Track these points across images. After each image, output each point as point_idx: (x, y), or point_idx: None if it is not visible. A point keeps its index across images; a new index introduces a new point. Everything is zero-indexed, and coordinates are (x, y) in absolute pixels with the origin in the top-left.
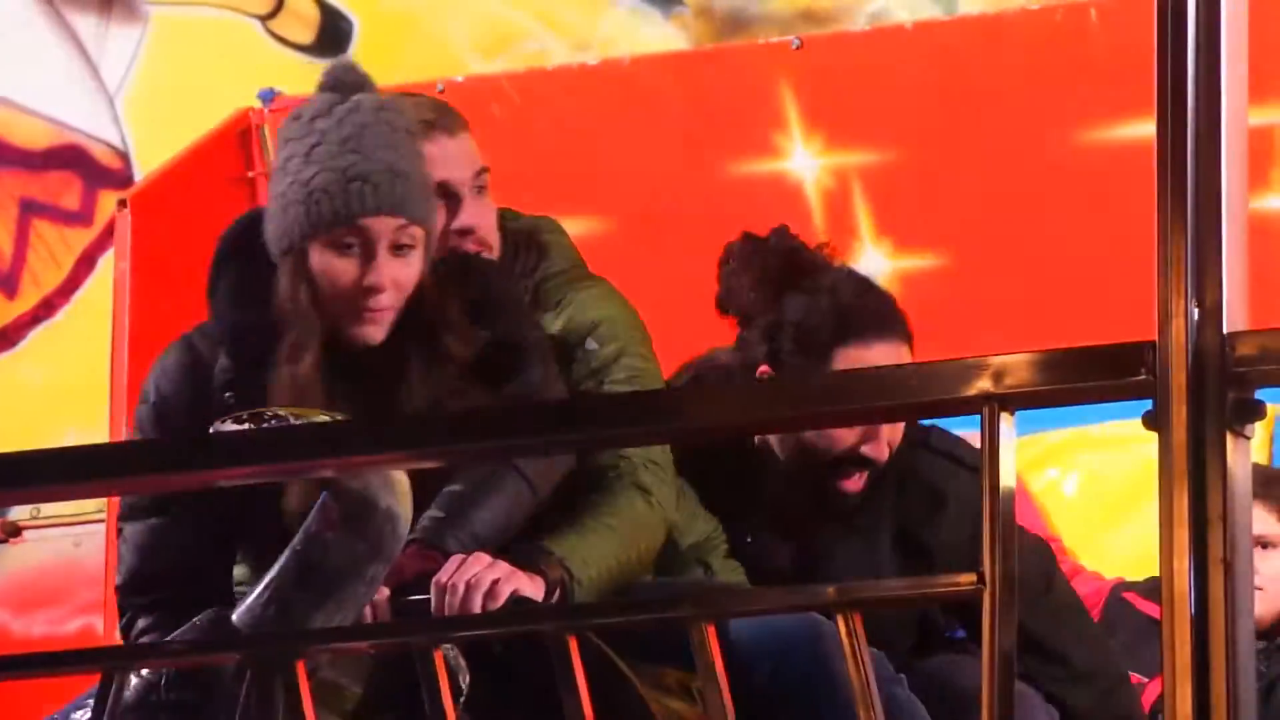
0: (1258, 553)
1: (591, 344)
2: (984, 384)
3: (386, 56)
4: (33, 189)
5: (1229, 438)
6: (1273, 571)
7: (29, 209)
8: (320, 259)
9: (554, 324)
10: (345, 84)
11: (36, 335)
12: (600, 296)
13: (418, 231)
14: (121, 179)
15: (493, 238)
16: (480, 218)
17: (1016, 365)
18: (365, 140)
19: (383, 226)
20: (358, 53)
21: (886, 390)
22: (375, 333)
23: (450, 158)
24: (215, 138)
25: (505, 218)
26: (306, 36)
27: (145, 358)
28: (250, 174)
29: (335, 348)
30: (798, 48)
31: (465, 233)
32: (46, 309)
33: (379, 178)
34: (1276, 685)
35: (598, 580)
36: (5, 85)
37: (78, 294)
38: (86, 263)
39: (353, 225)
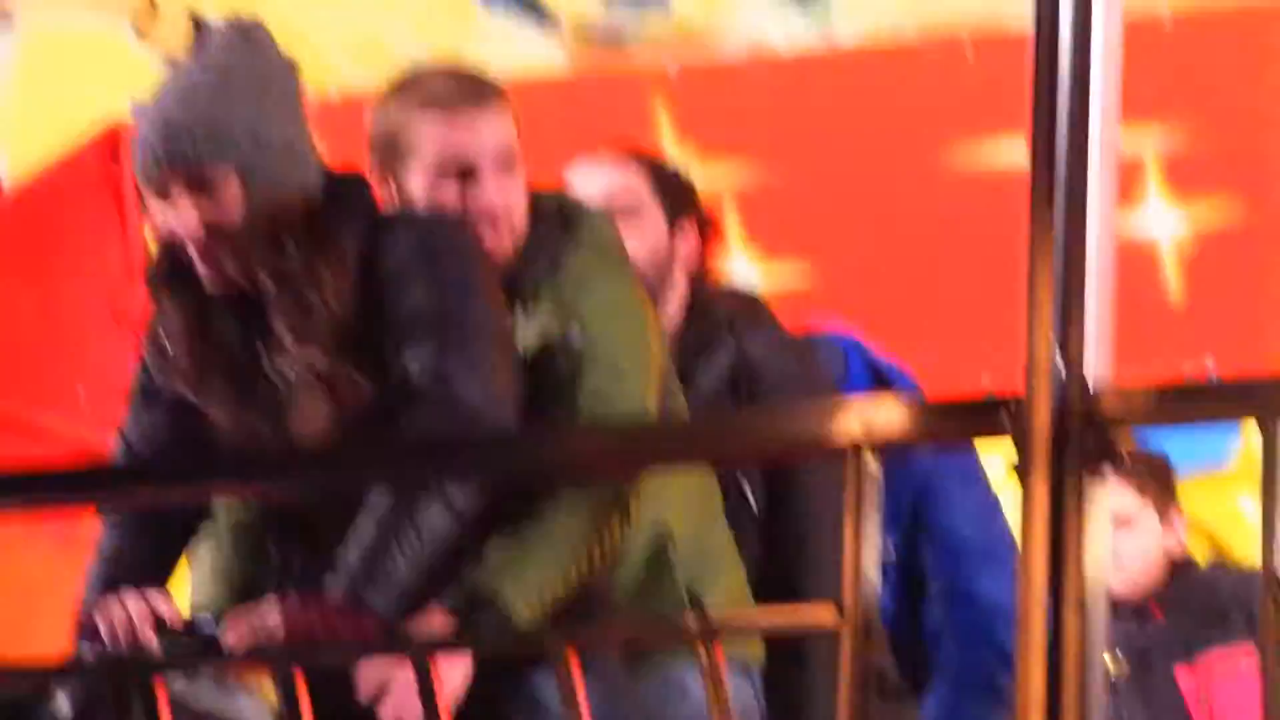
0: (1117, 532)
1: (574, 333)
2: (853, 428)
3: None
4: None
5: (1088, 486)
6: (1132, 549)
7: None
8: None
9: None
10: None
11: None
12: (610, 279)
13: (215, 170)
14: None
15: (520, 221)
16: (501, 198)
17: (885, 411)
18: (166, 91)
19: (167, 175)
20: None
21: (757, 432)
22: (208, 278)
23: (465, 133)
24: (85, 150)
25: (557, 201)
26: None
27: (9, 371)
28: (120, 186)
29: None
30: (674, 73)
31: (484, 213)
32: None
33: (155, 131)
34: (1149, 652)
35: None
36: None
37: None
38: None
39: (138, 179)
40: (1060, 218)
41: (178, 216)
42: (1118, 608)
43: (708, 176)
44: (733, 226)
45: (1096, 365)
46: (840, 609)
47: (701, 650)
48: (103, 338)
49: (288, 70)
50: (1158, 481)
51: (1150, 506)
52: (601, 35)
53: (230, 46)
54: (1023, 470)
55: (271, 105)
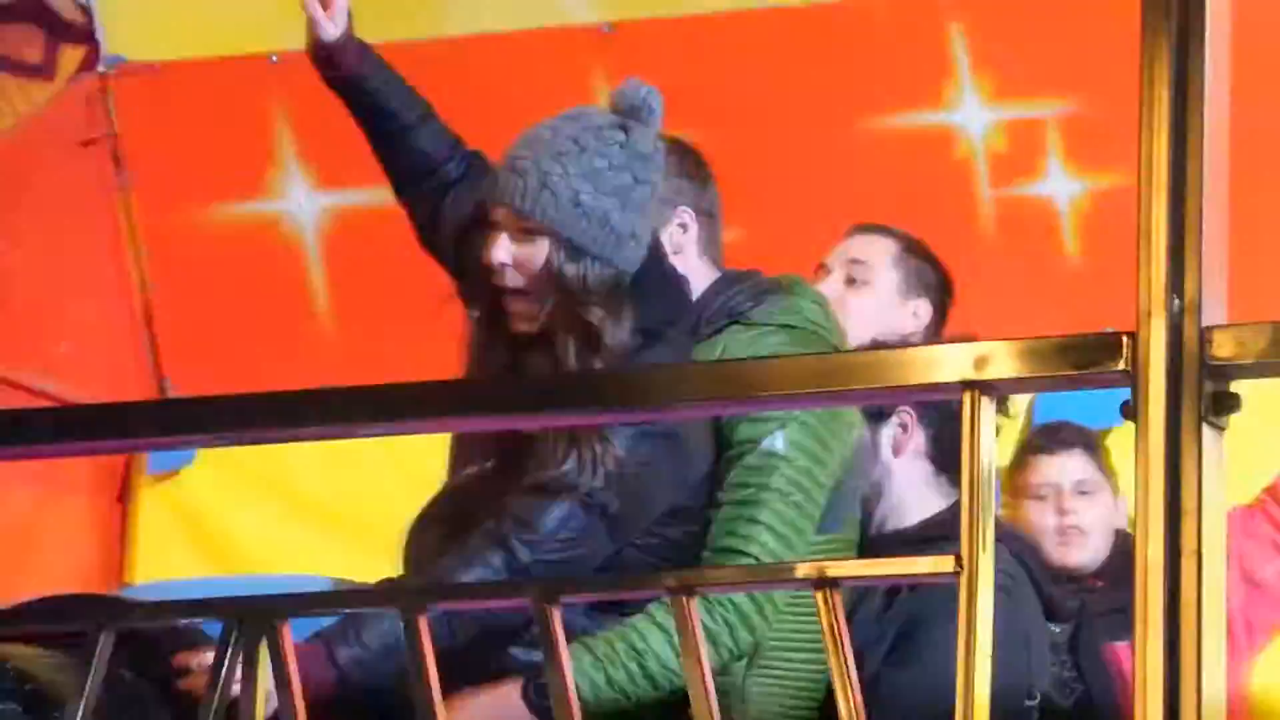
0: (1080, 500)
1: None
2: (965, 369)
3: None
4: None
5: (1205, 430)
6: (1094, 519)
7: None
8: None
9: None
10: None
11: None
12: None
13: (530, 224)
14: (84, 34)
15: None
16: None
17: (997, 351)
18: (541, 145)
19: (501, 213)
20: None
21: (867, 373)
22: (518, 320)
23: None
24: (63, 100)
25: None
26: None
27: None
28: (101, 135)
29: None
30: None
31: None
32: None
33: (506, 173)
34: (1082, 624)
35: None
36: None
37: None
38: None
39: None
40: (1164, 152)
41: (500, 248)
42: (1073, 577)
43: None
44: None
45: (1210, 306)
46: (959, 560)
47: (820, 596)
48: (83, 297)
49: (652, 169)
50: (1105, 454)
51: (1106, 478)
52: None
53: (612, 130)
54: (1138, 410)
55: (611, 189)
